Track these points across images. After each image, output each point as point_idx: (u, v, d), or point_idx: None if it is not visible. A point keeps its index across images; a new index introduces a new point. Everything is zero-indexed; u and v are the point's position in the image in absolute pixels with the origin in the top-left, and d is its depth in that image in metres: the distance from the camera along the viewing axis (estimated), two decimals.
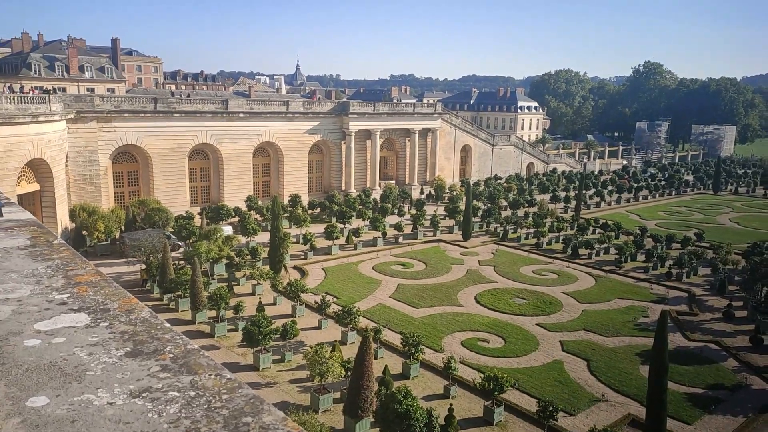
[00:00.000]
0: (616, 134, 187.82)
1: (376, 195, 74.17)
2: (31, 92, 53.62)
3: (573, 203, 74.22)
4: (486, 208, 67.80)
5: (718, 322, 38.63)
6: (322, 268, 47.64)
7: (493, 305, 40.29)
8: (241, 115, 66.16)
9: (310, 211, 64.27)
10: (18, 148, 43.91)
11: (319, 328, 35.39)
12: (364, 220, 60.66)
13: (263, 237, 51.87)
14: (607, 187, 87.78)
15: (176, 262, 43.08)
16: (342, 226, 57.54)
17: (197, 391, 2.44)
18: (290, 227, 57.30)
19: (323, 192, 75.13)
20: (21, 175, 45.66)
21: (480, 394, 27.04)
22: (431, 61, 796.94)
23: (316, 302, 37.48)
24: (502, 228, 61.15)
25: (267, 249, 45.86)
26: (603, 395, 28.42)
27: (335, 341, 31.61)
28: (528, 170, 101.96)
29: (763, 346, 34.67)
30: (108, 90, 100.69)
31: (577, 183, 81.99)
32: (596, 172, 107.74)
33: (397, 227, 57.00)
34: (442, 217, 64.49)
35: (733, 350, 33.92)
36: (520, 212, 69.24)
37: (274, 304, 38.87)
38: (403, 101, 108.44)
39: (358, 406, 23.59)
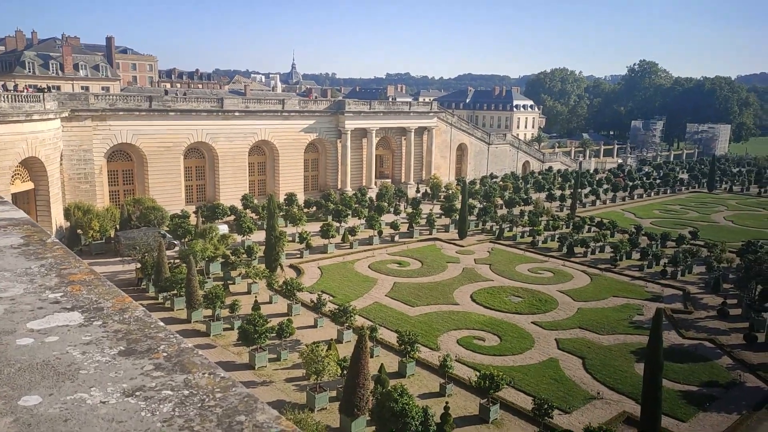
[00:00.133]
0: (612, 133, 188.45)
1: (372, 193, 74.17)
2: (26, 90, 53.30)
3: (568, 202, 74.38)
4: (482, 206, 67.86)
5: (713, 320, 38.82)
6: (318, 267, 47.62)
7: (488, 303, 40.37)
8: (237, 114, 66.04)
9: (306, 210, 64.20)
10: (12, 147, 43.72)
11: (315, 326, 35.39)
12: (360, 218, 60.64)
13: (259, 236, 51.84)
14: (602, 186, 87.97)
15: (171, 260, 42.98)
16: (338, 224, 57.52)
17: (191, 390, 2.43)
18: (286, 226, 57.26)
19: (319, 190, 75.07)
20: (15, 174, 45.48)
21: (476, 392, 27.09)
22: (427, 59, 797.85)
23: (312, 301, 37.46)
24: (497, 226, 61.25)
25: (263, 248, 45.82)
26: (598, 393, 28.51)
27: (331, 340, 31.62)
28: (524, 169, 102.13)
29: (757, 343, 34.85)
30: (103, 88, 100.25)
31: (573, 182, 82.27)
32: (592, 171, 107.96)
33: (393, 226, 57.00)
34: (438, 215, 64.55)
35: (727, 348, 34.09)
36: (516, 211, 69.34)
37: (270, 302, 38.83)
38: (398, 100, 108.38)
39: (354, 404, 23.61)
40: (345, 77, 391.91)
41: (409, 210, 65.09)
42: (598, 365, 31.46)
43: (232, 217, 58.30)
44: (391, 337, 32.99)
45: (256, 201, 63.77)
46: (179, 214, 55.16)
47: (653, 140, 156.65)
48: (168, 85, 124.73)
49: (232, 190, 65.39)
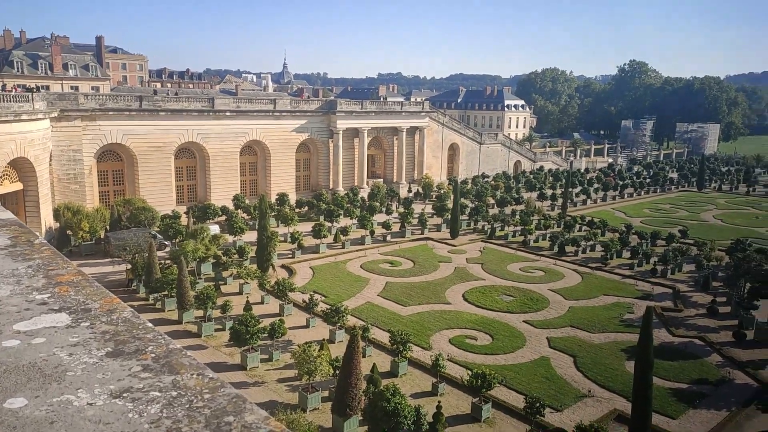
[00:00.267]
0: (602, 132, 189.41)
1: (364, 193, 74.16)
2: (14, 90, 52.82)
3: (560, 201, 74.69)
4: (473, 206, 68.02)
5: (702, 317, 39.12)
6: (310, 267, 47.54)
7: (480, 303, 40.47)
8: (228, 114, 65.79)
9: (297, 210, 64.09)
10: (0, 147, 43.34)
11: (307, 326, 35.33)
12: (352, 218, 60.61)
13: (250, 236, 51.67)
14: (593, 185, 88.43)
15: (162, 261, 42.77)
16: (330, 224, 57.46)
17: (179, 391, 2.42)
18: (278, 226, 57.13)
19: (311, 190, 74.95)
20: (4, 174, 45.09)
21: (468, 391, 27.14)
22: (419, 59, 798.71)
23: (304, 301, 37.38)
24: (489, 226, 61.42)
25: (254, 248, 45.67)
26: (589, 391, 28.66)
27: (323, 340, 31.56)
28: (515, 168, 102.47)
29: (746, 341, 35.16)
30: (92, 88, 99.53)
31: (564, 181, 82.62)
32: (582, 170, 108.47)
33: (385, 225, 57.02)
34: (430, 215, 64.61)
35: (716, 345, 34.37)
36: (508, 210, 69.56)
37: (262, 303, 38.72)
38: (390, 100, 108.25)
39: (347, 404, 23.60)
40: (337, 77, 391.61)
41: (401, 210, 65.13)
42: (589, 363, 31.62)
43: (224, 218, 58.09)
44: (383, 337, 33.01)
45: (247, 201, 63.58)
46: (170, 215, 54.87)
47: (643, 140, 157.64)
48: (158, 85, 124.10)
49: (223, 191, 65.14)
